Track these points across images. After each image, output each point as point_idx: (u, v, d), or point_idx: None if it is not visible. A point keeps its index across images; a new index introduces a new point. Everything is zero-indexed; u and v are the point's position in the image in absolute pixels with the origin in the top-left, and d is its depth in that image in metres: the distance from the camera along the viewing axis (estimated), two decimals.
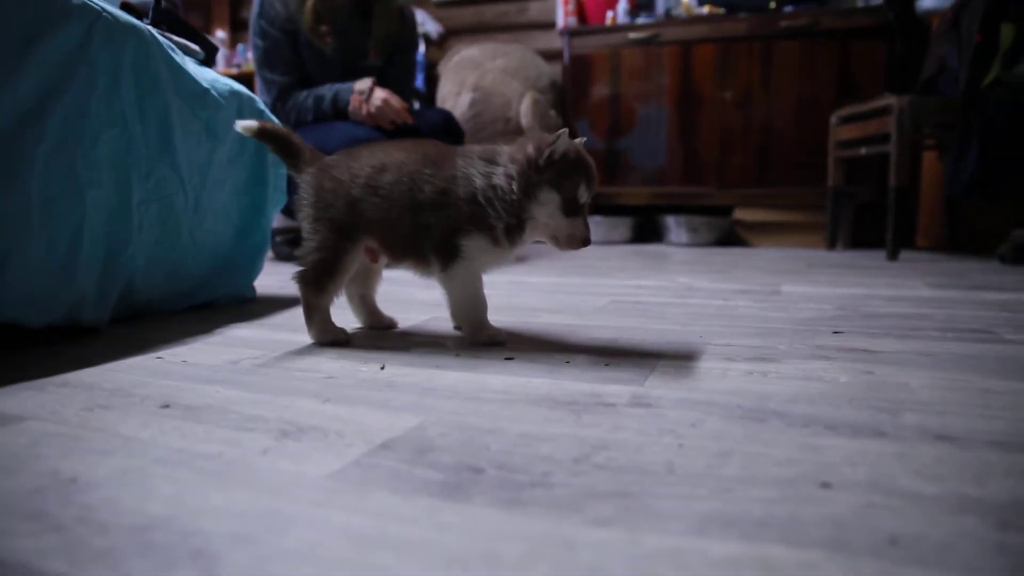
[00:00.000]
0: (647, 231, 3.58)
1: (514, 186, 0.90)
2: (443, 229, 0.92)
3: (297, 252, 0.99)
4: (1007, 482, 0.50)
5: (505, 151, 0.93)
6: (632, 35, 3.33)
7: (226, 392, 0.74)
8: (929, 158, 3.02)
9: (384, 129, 2.12)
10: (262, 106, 1.39)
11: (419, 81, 3.91)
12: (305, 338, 1.04)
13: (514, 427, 0.62)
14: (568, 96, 3.47)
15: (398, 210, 0.93)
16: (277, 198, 1.45)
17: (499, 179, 0.91)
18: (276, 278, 1.81)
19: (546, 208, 0.91)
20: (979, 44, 2.15)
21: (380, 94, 2.13)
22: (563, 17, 3.55)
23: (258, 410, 0.68)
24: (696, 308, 1.31)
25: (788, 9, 3.21)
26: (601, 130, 3.42)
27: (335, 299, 1.00)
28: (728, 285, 1.65)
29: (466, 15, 4.10)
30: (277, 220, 2.33)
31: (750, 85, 3.20)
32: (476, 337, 0.98)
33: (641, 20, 3.41)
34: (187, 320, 1.20)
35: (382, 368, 0.85)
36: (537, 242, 0.98)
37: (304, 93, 2.22)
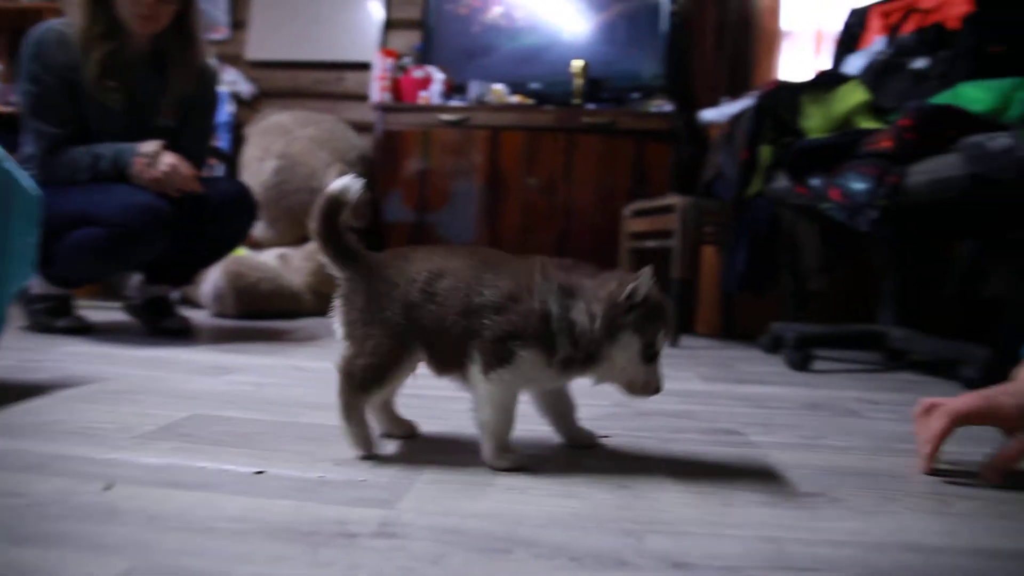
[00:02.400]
0: None
1: (596, 325, 0.84)
2: (501, 330, 0.84)
3: (344, 357, 0.90)
4: None
5: (587, 285, 0.87)
6: (444, 116, 3.41)
7: None
8: (708, 252, 3.33)
9: (170, 197, 1.97)
10: (8, 166, 1.24)
11: (225, 141, 3.74)
12: (21, 445, 0.90)
13: (240, 571, 0.56)
14: (378, 170, 3.47)
15: (452, 317, 0.86)
16: (24, 272, 1.27)
17: (578, 315, 0.85)
18: (18, 355, 1.58)
19: (626, 353, 0.85)
20: (745, 160, 2.41)
21: (168, 159, 1.98)
22: (378, 92, 3.57)
23: None
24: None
25: (591, 106, 3.45)
26: (411, 203, 3.44)
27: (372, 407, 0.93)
28: None
29: (281, 78, 4.00)
30: (38, 287, 2.08)
31: (553, 173, 3.38)
32: (497, 461, 0.88)
33: (454, 102, 3.51)
34: None
35: (106, 488, 0.74)
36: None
37: (81, 149, 2.02)
